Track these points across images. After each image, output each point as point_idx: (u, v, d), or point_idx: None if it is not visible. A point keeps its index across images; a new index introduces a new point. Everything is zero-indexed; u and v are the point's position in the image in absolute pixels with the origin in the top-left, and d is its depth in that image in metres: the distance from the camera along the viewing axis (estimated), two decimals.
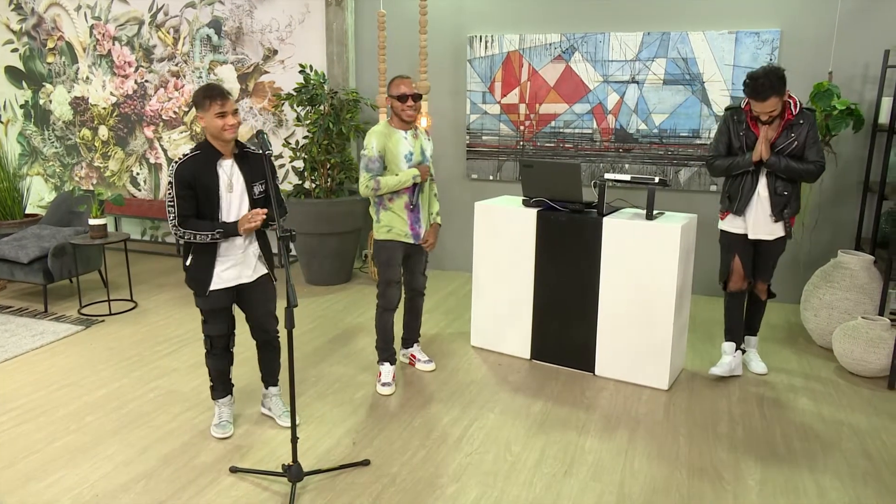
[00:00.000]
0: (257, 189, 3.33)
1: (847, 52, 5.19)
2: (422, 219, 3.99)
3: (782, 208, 3.91)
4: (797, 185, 3.92)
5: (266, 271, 3.49)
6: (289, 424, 3.64)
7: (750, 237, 4.02)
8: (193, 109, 3.22)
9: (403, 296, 4.19)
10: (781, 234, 3.99)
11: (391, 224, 3.92)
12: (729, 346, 4.20)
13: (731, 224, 4.07)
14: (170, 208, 3.18)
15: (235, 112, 3.18)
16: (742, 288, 4.11)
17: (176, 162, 3.17)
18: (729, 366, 4.17)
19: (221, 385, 3.54)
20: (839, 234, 5.39)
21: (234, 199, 3.27)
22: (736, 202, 4.00)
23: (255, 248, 3.41)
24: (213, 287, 3.31)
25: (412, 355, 4.35)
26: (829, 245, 5.40)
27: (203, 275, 3.30)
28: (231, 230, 3.21)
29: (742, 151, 3.91)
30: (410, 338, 4.37)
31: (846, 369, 4.32)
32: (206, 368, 4.31)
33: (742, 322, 4.19)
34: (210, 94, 3.13)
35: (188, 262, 3.31)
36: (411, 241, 3.96)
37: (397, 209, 3.90)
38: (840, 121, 4.79)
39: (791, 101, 3.81)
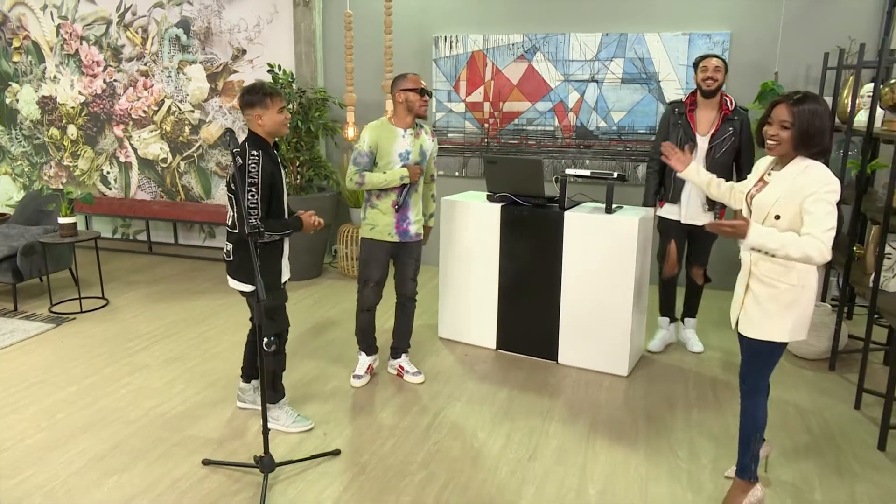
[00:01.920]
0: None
1: (791, 53, 5.30)
2: (411, 218, 3.81)
3: (715, 201, 4.05)
4: (732, 179, 4.11)
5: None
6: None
7: (683, 222, 4.22)
8: (249, 108, 3.13)
9: (395, 301, 4.08)
10: (712, 220, 4.14)
11: (375, 222, 3.78)
12: (663, 321, 4.55)
13: (666, 211, 4.30)
14: (252, 209, 3.02)
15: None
16: (674, 273, 4.32)
17: (255, 161, 3.01)
18: (663, 339, 4.53)
19: (281, 384, 3.47)
20: None
21: (285, 193, 3.29)
22: (670, 191, 4.22)
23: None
24: (282, 280, 3.31)
25: (400, 367, 4.07)
26: None
27: (277, 268, 3.26)
28: (298, 226, 3.24)
29: (679, 142, 4.08)
30: (399, 347, 4.09)
31: (792, 353, 4.42)
32: (181, 365, 4.24)
33: (674, 300, 4.50)
34: (271, 92, 3.12)
35: (259, 263, 3.12)
36: (397, 239, 3.79)
37: (383, 207, 3.75)
38: None
39: (727, 98, 4.08)
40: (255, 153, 3.05)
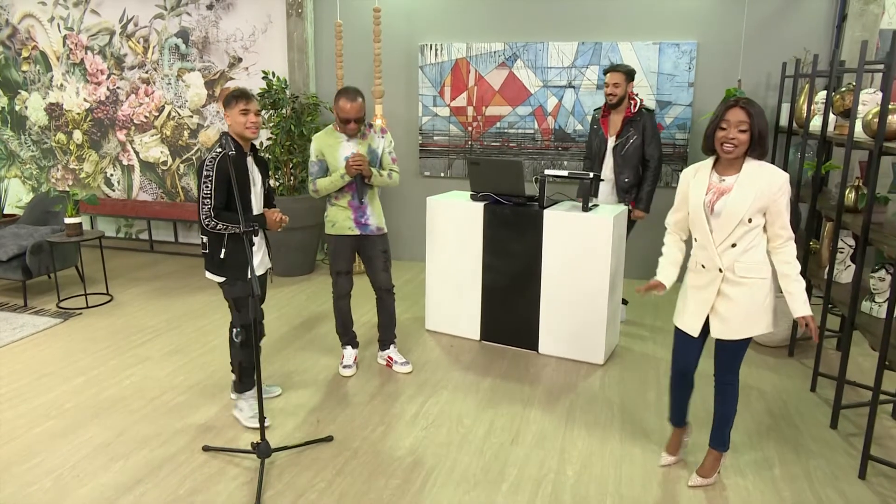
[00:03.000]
0: (265, 185, 3.35)
1: (753, 62, 5.34)
2: (369, 213, 3.82)
3: (625, 192, 4.49)
4: (643, 178, 4.50)
5: (270, 265, 3.46)
6: (275, 394, 3.61)
7: None
8: (224, 109, 3.14)
9: (374, 296, 4.09)
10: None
11: (335, 219, 3.84)
12: None
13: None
14: (206, 200, 3.06)
15: (258, 113, 3.15)
16: None
17: (213, 157, 3.05)
18: None
19: (249, 377, 3.39)
20: None
21: (256, 192, 3.25)
22: (592, 186, 4.52)
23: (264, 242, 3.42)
24: (250, 274, 3.22)
25: (389, 357, 4.08)
26: None
27: (242, 261, 3.19)
28: (262, 223, 3.22)
29: (595, 143, 4.56)
30: (386, 339, 4.09)
31: (755, 341, 4.46)
32: (181, 357, 4.23)
33: None
34: (236, 95, 3.12)
35: (223, 254, 3.17)
36: (357, 232, 3.83)
37: (341, 204, 3.81)
38: None
39: (633, 101, 4.43)
40: (218, 150, 3.09)
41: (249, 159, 3.23)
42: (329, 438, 3.23)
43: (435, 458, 3.09)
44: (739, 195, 2.52)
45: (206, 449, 3.14)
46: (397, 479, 2.93)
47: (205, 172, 3.06)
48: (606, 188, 4.58)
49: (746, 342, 2.70)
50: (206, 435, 3.29)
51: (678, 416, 2.98)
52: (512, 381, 3.92)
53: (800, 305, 2.59)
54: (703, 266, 2.67)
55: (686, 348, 2.80)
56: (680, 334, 2.80)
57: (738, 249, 2.58)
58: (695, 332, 2.72)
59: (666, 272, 2.85)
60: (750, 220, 2.54)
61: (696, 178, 2.66)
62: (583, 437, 3.28)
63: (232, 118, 3.13)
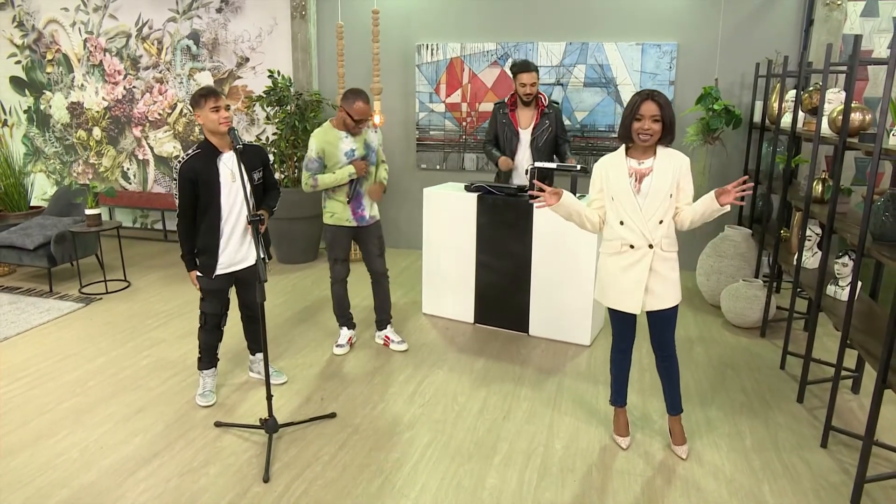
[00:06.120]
0: (256, 176, 3.22)
1: (729, 63, 5.31)
2: (365, 205, 3.83)
3: (540, 180, 4.29)
4: (559, 154, 4.47)
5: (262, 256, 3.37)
6: (281, 381, 3.61)
7: (517, 183, 4.47)
8: (193, 111, 3.05)
9: (369, 279, 4.08)
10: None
11: (334, 210, 3.81)
12: None
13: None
14: (176, 200, 3.11)
15: (227, 107, 3.07)
16: None
17: (180, 160, 3.05)
18: None
19: (208, 358, 3.42)
20: (726, 213, 5.55)
21: (236, 188, 3.13)
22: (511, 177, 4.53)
23: (251, 240, 3.27)
24: (217, 272, 3.20)
25: (386, 337, 4.10)
26: (718, 221, 5.56)
27: (209, 260, 3.17)
28: (189, 268, 3.20)
29: (506, 137, 4.42)
30: (383, 319, 4.10)
31: (731, 322, 4.48)
32: (194, 340, 4.23)
33: None
34: (205, 93, 3.03)
35: (197, 249, 3.18)
36: (354, 224, 3.83)
37: (340, 198, 3.78)
38: (717, 119, 4.90)
39: (542, 96, 4.36)
40: (189, 152, 3.08)
41: (228, 155, 3.11)
42: (332, 415, 3.25)
43: (431, 434, 3.11)
44: (661, 174, 2.64)
45: (217, 425, 3.16)
46: (396, 452, 2.95)
47: (173, 176, 3.11)
48: (523, 177, 4.43)
49: (677, 309, 2.79)
50: (218, 412, 3.31)
51: (624, 395, 3.04)
52: (504, 361, 3.93)
53: (710, 197, 2.62)
54: (632, 246, 2.70)
55: (627, 327, 2.90)
56: (618, 315, 2.86)
57: (664, 225, 2.67)
58: (636, 309, 2.75)
59: (572, 197, 2.78)
60: (671, 196, 2.66)
61: (613, 167, 2.72)
62: (570, 413, 3.30)
63: (204, 117, 3.02)
